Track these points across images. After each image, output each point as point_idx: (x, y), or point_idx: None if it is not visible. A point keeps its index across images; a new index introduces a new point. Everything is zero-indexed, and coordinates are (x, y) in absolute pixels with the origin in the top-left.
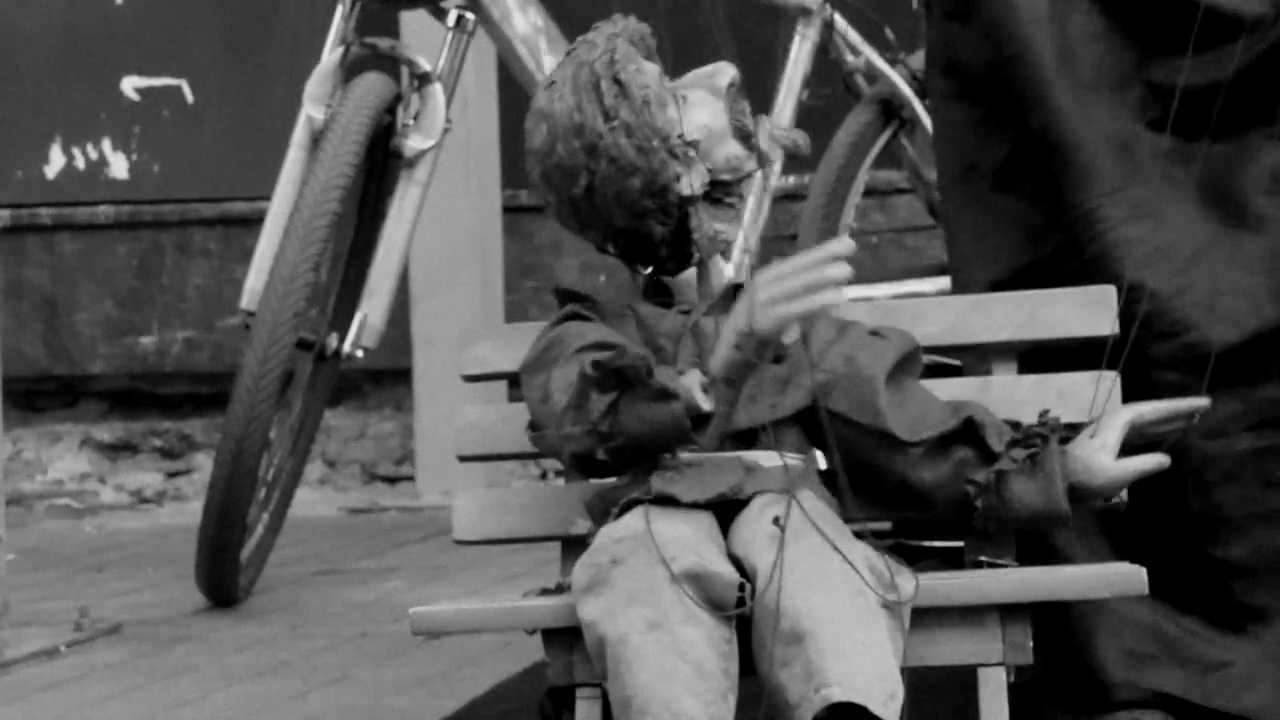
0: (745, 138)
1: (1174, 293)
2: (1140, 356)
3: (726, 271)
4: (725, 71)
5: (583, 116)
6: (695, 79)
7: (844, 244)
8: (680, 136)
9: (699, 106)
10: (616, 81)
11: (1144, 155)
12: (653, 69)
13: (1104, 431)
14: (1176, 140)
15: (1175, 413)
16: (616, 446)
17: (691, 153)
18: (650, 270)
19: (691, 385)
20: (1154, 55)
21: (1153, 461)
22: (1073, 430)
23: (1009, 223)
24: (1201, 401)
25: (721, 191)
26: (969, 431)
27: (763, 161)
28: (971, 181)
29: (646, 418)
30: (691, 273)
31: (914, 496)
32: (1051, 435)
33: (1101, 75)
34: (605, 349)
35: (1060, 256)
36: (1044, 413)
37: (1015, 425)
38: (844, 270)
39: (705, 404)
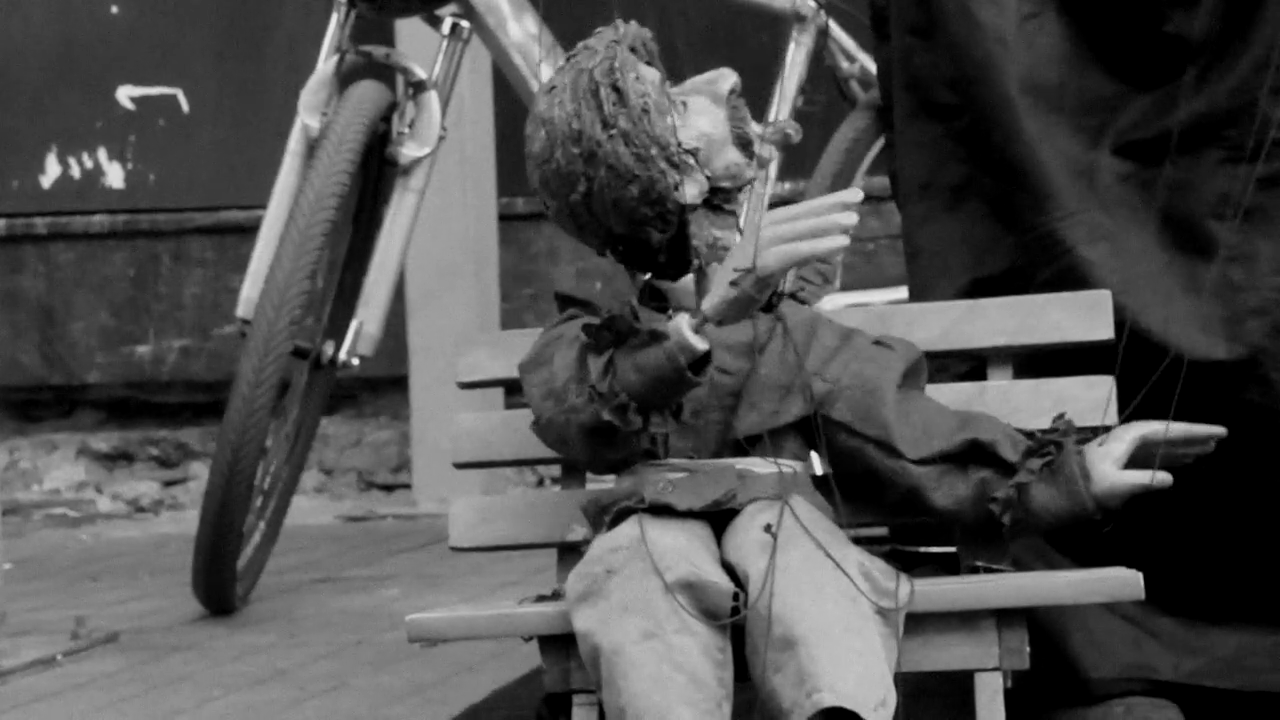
0: (745, 145)
1: (1130, 317)
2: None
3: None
4: (726, 78)
5: (581, 124)
6: (696, 85)
7: (854, 193)
8: (679, 144)
9: (699, 114)
10: (615, 89)
11: (1104, 181)
12: (653, 75)
13: (1113, 442)
14: (1135, 165)
15: (1192, 436)
16: (620, 404)
17: (691, 161)
18: (649, 276)
19: (680, 325)
20: (1121, 82)
21: (1149, 478)
22: (1086, 432)
23: (961, 243)
24: (1219, 430)
25: (721, 199)
26: (980, 451)
27: (761, 164)
28: (927, 200)
29: (641, 365)
30: (689, 278)
31: (930, 514)
32: (1065, 439)
33: (1065, 99)
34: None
35: (1008, 278)
36: (1059, 416)
37: (1030, 435)
38: (851, 219)
39: (698, 343)
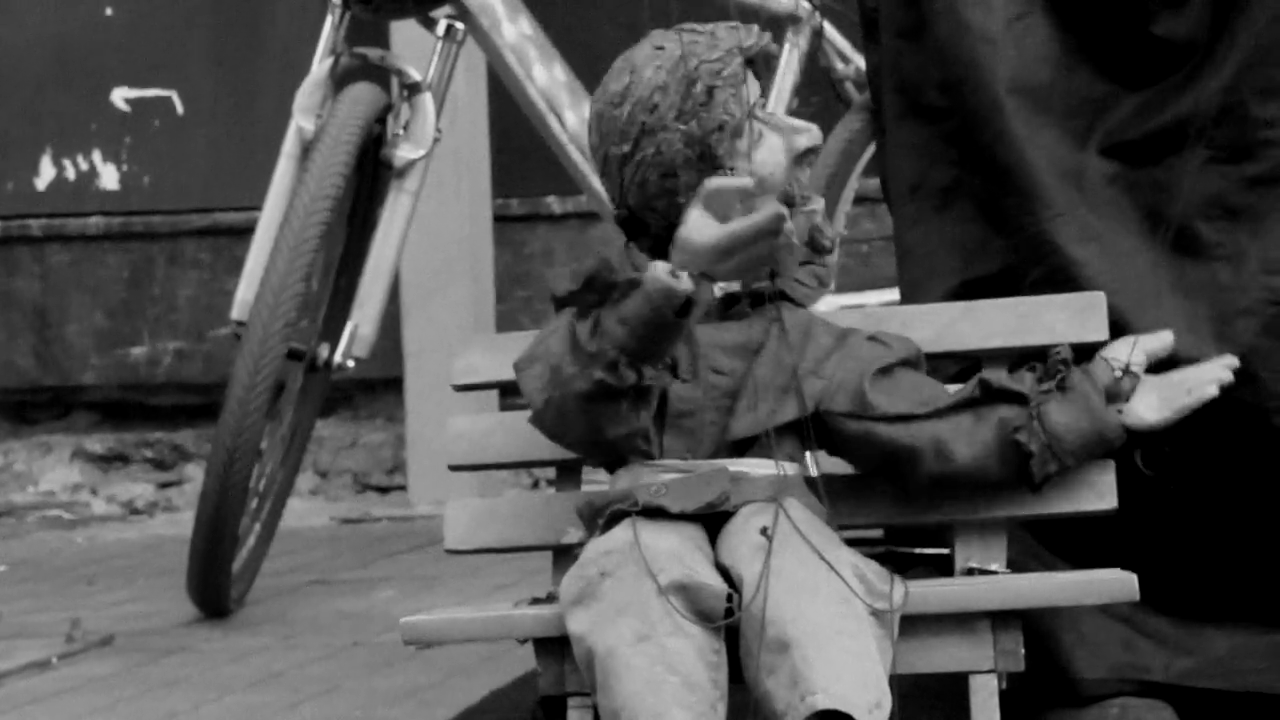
0: (788, 203)
1: (1118, 317)
2: None
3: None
4: (810, 137)
5: (662, 99)
6: (782, 124)
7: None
8: (732, 169)
9: (769, 152)
10: (710, 93)
11: (1092, 182)
12: (753, 93)
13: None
14: (1123, 166)
15: (1203, 378)
16: (612, 360)
17: None
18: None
19: (657, 269)
20: (1108, 84)
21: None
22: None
23: (951, 244)
24: (1230, 360)
25: None
26: (992, 392)
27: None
28: (916, 202)
29: (625, 315)
30: None
31: (957, 477)
32: (1069, 361)
33: (1053, 100)
34: None
35: (998, 279)
36: (1054, 349)
37: (1031, 369)
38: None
39: (677, 284)
